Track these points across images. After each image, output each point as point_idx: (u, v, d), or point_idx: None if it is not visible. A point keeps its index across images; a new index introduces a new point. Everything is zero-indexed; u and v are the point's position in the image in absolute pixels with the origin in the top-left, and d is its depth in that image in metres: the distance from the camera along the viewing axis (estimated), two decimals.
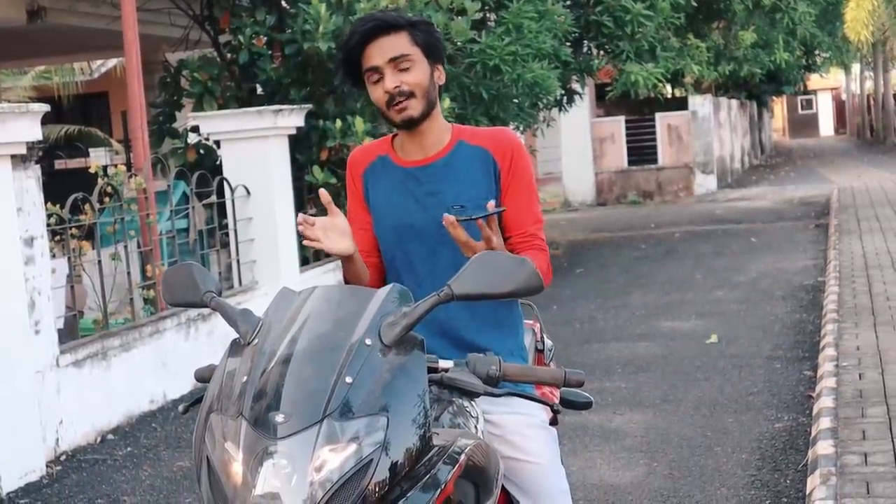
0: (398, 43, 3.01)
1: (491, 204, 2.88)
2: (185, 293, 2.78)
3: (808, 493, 5.19)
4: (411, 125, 3.06)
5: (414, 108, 3.02)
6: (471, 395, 2.64)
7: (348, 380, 2.31)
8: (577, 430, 6.69)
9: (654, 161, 25.25)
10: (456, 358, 2.67)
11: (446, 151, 3.13)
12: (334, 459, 2.21)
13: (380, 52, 3.00)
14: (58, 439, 7.03)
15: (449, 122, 3.21)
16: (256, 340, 2.48)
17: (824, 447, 5.64)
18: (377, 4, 9.64)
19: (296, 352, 2.38)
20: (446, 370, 2.60)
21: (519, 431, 3.05)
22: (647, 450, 6.34)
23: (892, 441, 5.68)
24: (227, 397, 2.37)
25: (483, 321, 3.11)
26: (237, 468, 2.24)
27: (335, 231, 2.96)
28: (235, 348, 2.54)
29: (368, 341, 2.40)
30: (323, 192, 3.01)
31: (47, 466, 6.77)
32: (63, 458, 6.99)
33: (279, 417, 2.24)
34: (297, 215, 10.09)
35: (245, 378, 2.37)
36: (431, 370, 2.57)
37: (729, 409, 7.05)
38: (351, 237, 2.99)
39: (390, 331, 2.44)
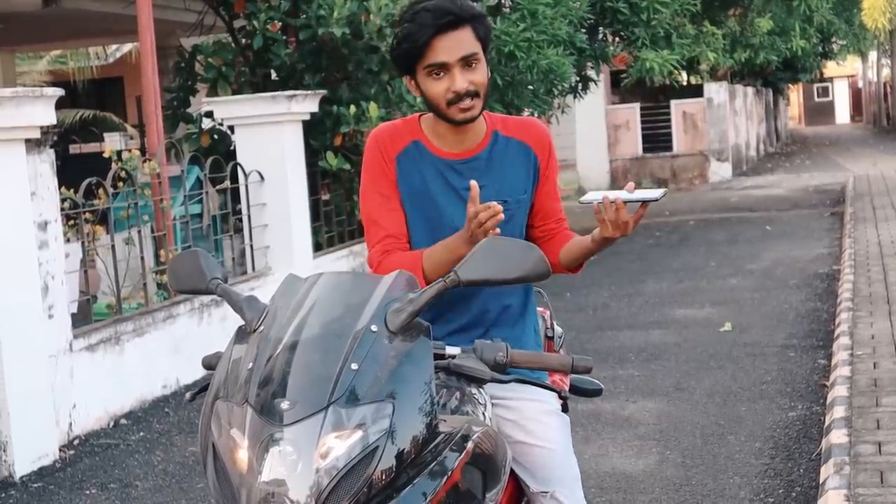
0: (467, 39, 2.91)
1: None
2: (190, 280, 2.77)
3: (821, 482, 5.17)
4: (468, 123, 3.00)
5: (476, 108, 2.96)
6: (478, 381, 2.63)
7: (354, 366, 2.30)
8: (590, 418, 6.68)
9: (669, 148, 25.19)
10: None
11: (485, 144, 3.07)
12: (340, 446, 2.20)
13: (450, 48, 2.89)
14: (71, 423, 7.05)
15: None
16: (262, 327, 2.47)
17: (838, 436, 5.62)
18: None
19: (301, 338, 2.37)
20: (453, 357, 2.59)
21: (533, 417, 3.04)
22: (659, 438, 6.33)
23: None
24: (233, 384, 2.37)
25: (496, 314, 3.09)
26: (243, 455, 2.24)
27: None
28: (241, 335, 2.53)
29: (374, 328, 2.39)
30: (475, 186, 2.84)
31: (60, 451, 6.79)
32: (76, 442, 7.01)
33: (285, 404, 2.23)
34: (310, 201, 10.15)
35: (251, 365, 2.36)
36: (438, 357, 2.55)
37: (742, 398, 7.03)
38: None
39: (396, 317, 2.43)
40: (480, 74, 2.94)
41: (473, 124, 3.04)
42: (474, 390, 2.84)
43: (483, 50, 2.96)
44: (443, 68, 2.91)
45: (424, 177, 3.06)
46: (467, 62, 2.91)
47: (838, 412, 6.05)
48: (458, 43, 2.90)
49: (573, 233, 3.14)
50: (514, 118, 3.18)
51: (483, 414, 2.83)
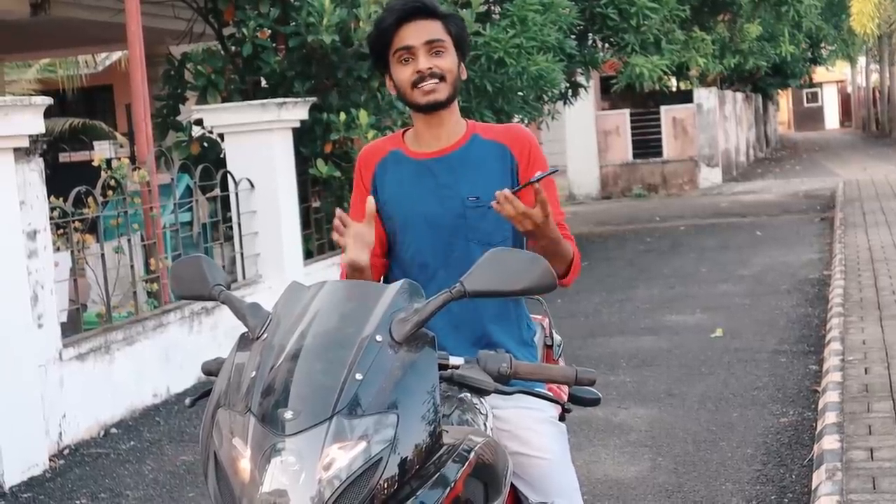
0: (435, 28, 3.03)
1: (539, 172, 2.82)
2: (193, 286, 2.75)
3: (813, 488, 5.17)
4: (435, 108, 3.05)
5: (441, 91, 3.02)
6: (481, 392, 2.62)
7: (358, 376, 2.28)
8: (582, 425, 6.67)
9: (659, 154, 25.22)
10: (468, 352, 2.65)
11: (461, 144, 3.12)
12: (343, 457, 2.18)
13: (416, 33, 3.01)
14: (61, 433, 7.02)
15: None
16: (265, 335, 2.45)
17: (830, 442, 5.62)
18: None
19: (305, 347, 2.35)
20: (457, 367, 2.56)
21: (528, 427, 3.03)
22: (651, 444, 6.32)
23: None
24: (235, 392, 2.34)
25: (496, 313, 3.09)
26: (245, 465, 2.22)
27: (360, 240, 2.92)
28: (244, 342, 2.51)
29: (379, 337, 2.37)
30: (371, 201, 2.96)
31: (50, 460, 6.76)
32: (66, 452, 6.98)
33: (288, 414, 2.21)
34: (300, 209, 10.14)
35: (253, 373, 2.34)
36: (441, 367, 2.53)
37: (734, 404, 7.03)
38: (369, 251, 2.94)
39: (401, 327, 2.41)
40: (447, 61, 3.04)
41: (449, 121, 3.11)
42: (476, 400, 2.83)
43: (455, 47, 3.06)
44: (409, 52, 3.02)
45: (400, 180, 3.14)
46: (434, 48, 3.02)
47: (830, 418, 6.04)
48: (424, 29, 3.02)
49: (570, 241, 3.05)
50: (499, 125, 3.24)
51: (484, 424, 2.82)
